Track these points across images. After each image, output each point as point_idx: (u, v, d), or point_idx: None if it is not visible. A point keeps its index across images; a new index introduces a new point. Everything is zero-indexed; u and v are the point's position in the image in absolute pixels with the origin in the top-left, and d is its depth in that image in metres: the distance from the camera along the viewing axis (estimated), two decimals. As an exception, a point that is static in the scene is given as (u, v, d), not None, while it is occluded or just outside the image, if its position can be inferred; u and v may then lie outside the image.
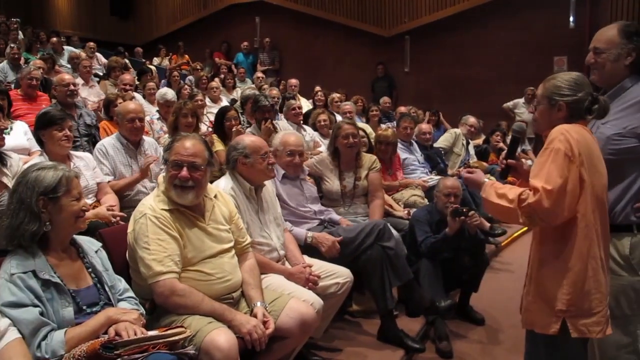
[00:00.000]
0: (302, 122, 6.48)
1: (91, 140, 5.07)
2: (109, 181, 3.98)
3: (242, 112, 6.38)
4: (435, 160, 6.51)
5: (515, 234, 6.80)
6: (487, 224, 6.11)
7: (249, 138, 3.33)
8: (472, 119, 7.48)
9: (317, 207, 3.94)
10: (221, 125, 5.17)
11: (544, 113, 2.38)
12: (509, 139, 8.52)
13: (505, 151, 2.83)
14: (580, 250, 2.21)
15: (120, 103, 5.51)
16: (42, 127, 3.63)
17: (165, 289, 2.48)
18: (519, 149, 8.74)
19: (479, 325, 4.25)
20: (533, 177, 2.22)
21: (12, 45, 8.76)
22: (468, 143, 7.43)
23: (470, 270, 4.14)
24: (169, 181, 2.65)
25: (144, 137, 4.40)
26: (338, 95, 8.61)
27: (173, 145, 2.71)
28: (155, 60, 12.56)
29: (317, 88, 9.64)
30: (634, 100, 2.51)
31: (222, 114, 5.25)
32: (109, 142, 4.21)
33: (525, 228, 6.94)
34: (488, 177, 6.78)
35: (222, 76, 10.35)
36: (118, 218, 3.54)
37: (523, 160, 2.58)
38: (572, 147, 2.17)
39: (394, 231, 4.10)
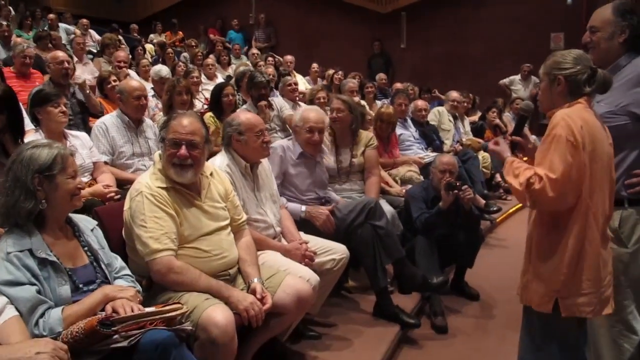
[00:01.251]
0: (297, 98, 6.45)
1: (85, 117, 5.04)
2: (105, 161, 3.97)
3: (238, 90, 6.34)
4: (431, 137, 6.50)
5: (510, 211, 6.84)
6: (482, 201, 6.15)
7: (244, 115, 3.31)
8: (454, 94, 7.43)
9: (322, 192, 3.90)
10: (218, 102, 5.14)
11: (545, 90, 2.41)
12: (505, 116, 8.53)
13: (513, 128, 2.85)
14: (576, 234, 2.24)
15: (114, 80, 5.48)
16: (37, 105, 3.63)
17: (163, 267, 2.49)
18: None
19: (474, 301, 4.30)
20: (537, 164, 2.24)
21: (2, 22, 8.65)
22: (456, 117, 7.41)
23: (465, 246, 4.17)
24: (168, 160, 2.63)
25: (144, 117, 4.39)
26: (340, 73, 8.61)
27: (170, 123, 2.68)
28: (152, 37, 12.42)
29: (314, 65, 9.58)
30: (627, 77, 2.55)
31: (219, 90, 5.22)
32: (109, 120, 4.18)
33: (520, 205, 6.99)
34: (482, 153, 6.72)
35: (217, 53, 10.28)
36: (114, 194, 3.54)
37: (528, 137, 2.60)
38: (575, 132, 2.18)
39: (389, 208, 4.12)
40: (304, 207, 3.66)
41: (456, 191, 3.91)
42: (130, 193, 2.65)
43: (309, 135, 3.69)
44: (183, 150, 2.61)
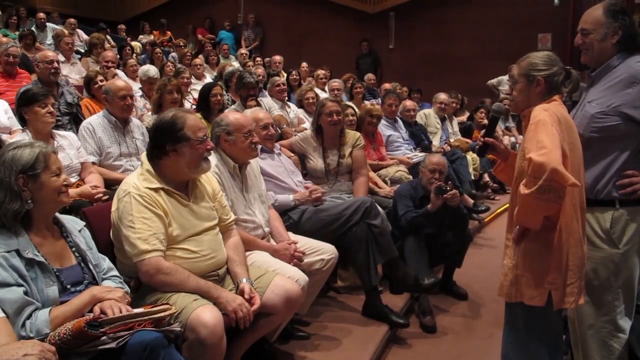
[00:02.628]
0: (286, 98, 6.45)
1: (73, 118, 5.01)
2: (93, 162, 3.94)
3: (227, 90, 6.33)
4: (420, 137, 6.54)
5: (498, 210, 6.87)
6: (471, 201, 6.18)
7: (233, 115, 3.30)
8: (442, 96, 7.48)
9: (298, 178, 3.95)
10: (206, 102, 5.13)
11: (522, 90, 2.43)
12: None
13: (484, 130, 2.87)
14: (564, 225, 2.26)
15: (101, 80, 5.45)
16: (24, 105, 3.60)
17: (151, 268, 2.48)
18: (502, 126, 8.82)
19: (462, 300, 4.32)
20: (527, 152, 2.19)
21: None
22: (444, 119, 7.46)
23: (453, 246, 4.19)
24: (200, 156, 2.67)
25: (131, 116, 4.36)
26: (323, 72, 8.58)
27: (186, 123, 2.64)
28: (142, 38, 12.35)
29: (304, 64, 9.56)
30: (618, 78, 2.55)
31: (207, 90, 5.20)
32: (96, 121, 4.15)
33: (508, 204, 7.02)
34: (471, 154, 6.80)
35: (206, 53, 10.24)
36: (101, 195, 3.52)
37: (501, 138, 2.63)
38: (557, 122, 2.20)
39: (379, 208, 4.14)
40: (291, 196, 3.73)
41: (445, 195, 3.94)
42: (117, 194, 2.64)
43: (265, 132, 3.71)
44: (211, 142, 2.75)
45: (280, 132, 5.27)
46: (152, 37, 12.46)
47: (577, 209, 2.30)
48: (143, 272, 2.50)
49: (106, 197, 3.53)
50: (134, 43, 10.64)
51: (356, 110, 5.65)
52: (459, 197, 4.02)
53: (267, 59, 10.17)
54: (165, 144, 2.63)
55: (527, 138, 2.25)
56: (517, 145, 8.29)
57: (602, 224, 2.54)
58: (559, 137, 2.18)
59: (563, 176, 2.07)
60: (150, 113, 5.18)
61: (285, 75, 8.16)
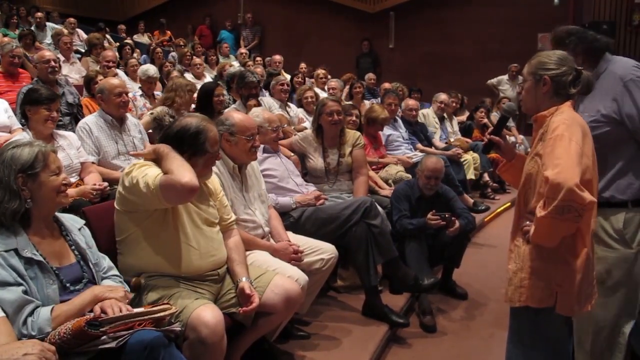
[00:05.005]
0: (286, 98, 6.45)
1: (74, 118, 5.01)
2: (92, 162, 3.94)
3: (228, 90, 6.33)
4: (420, 136, 6.56)
5: (498, 210, 6.87)
6: (471, 200, 6.18)
7: (238, 116, 3.27)
8: (442, 96, 7.51)
9: (299, 180, 3.95)
10: (209, 102, 5.11)
11: (529, 90, 2.40)
12: (492, 115, 8.57)
13: (490, 128, 2.86)
14: (583, 231, 2.21)
15: (100, 80, 5.44)
16: (28, 103, 3.61)
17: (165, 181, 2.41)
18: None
19: (462, 300, 4.32)
20: (545, 169, 2.17)
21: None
22: (444, 118, 7.48)
23: (451, 247, 4.19)
24: (210, 166, 2.74)
25: (128, 114, 4.36)
26: (323, 71, 8.57)
27: (208, 136, 2.64)
28: (136, 38, 12.35)
29: (302, 65, 9.56)
30: (604, 85, 2.59)
31: (210, 91, 5.19)
32: (92, 120, 4.14)
33: (508, 204, 7.02)
34: (471, 154, 6.79)
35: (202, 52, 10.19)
36: (101, 191, 3.53)
37: (507, 137, 2.62)
38: (576, 134, 2.17)
39: (379, 208, 4.14)
40: (293, 199, 3.73)
41: (444, 222, 3.98)
42: (123, 174, 2.57)
43: (275, 134, 3.76)
44: (220, 154, 2.85)
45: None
46: (145, 36, 12.42)
47: (592, 216, 2.24)
48: (163, 186, 2.41)
49: (108, 188, 3.53)
50: (130, 41, 10.58)
51: (360, 111, 5.65)
52: (457, 230, 4.03)
53: (267, 59, 10.16)
54: (183, 152, 2.59)
55: (545, 152, 2.20)
56: (517, 145, 8.30)
57: (615, 225, 2.54)
58: (580, 152, 2.14)
59: (580, 196, 2.05)
60: (149, 113, 5.13)
61: (288, 76, 8.15)
